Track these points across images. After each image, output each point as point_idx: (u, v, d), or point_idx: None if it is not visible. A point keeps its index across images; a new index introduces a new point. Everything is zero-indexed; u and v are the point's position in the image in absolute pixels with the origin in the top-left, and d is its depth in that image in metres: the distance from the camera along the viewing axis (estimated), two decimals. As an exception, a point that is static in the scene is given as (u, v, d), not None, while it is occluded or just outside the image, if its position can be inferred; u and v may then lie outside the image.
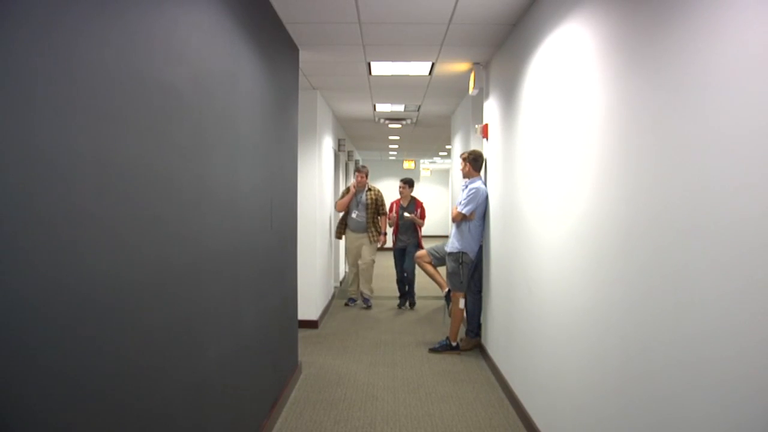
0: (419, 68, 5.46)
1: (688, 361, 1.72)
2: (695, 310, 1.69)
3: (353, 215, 7.48)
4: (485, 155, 5.21)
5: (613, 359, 2.29)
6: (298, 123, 4.73)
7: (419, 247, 7.33)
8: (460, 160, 5.34)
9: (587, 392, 2.57)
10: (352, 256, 7.67)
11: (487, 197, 5.08)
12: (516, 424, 3.66)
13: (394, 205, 7.84)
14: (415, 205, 7.71)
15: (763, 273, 1.40)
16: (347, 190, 7.68)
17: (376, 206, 7.52)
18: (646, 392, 1.99)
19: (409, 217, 7.48)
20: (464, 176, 5.28)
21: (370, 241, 7.50)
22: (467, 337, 5.42)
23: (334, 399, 4.13)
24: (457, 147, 7.50)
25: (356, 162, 11.77)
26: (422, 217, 7.67)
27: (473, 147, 5.69)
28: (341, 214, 7.70)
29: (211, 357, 2.45)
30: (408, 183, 7.78)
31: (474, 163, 5.18)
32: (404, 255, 7.60)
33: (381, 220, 7.63)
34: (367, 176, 7.54)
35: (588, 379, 2.56)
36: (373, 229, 7.51)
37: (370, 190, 7.54)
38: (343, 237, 7.78)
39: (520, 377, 3.89)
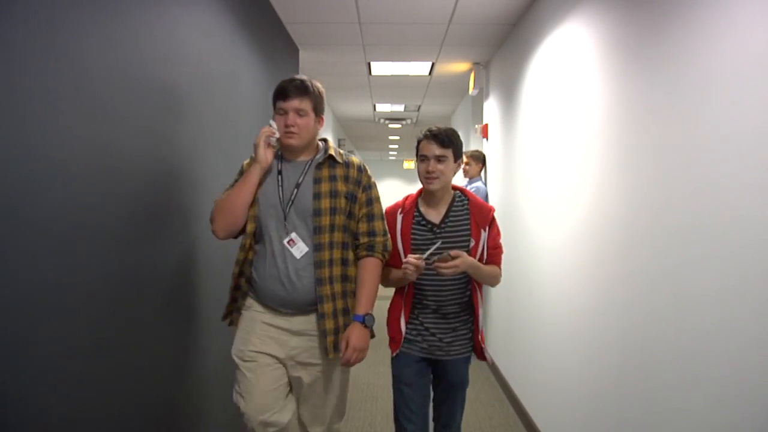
0: (419, 68, 5.46)
1: (687, 359, 1.72)
2: (694, 309, 1.69)
3: (281, 244, 1.96)
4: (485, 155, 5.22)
5: (612, 358, 2.29)
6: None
7: (480, 355, 2.28)
8: (464, 158, 5.29)
9: (586, 391, 2.57)
10: (269, 398, 1.95)
11: (486, 197, 5.08)
12: (516, 424, 3.66)
13: (401, 217, 2.19)
14: (477, 215, 2.20)
15: (762, 271, 1.40)
16: (249, 164, 2.05)
17: (350, 210, 2.01)
18: (645, 390, 1.99)
19: (459, 266, 2.03)
20: (466, 175, 5.26)
21: (335, 349, 1.95)
22: (467, 337, 5.36)
23: (334, 399, 4.13)
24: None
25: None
26: (496, 247, 2.24)
27: (473, 147, 5.69)
28: (241, 254, 2.00)
29: (211, 356, 2.45)
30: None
31: (482, 162, 5.18)
32: (433, 381, 2.31)
33: (364, 267, 2.02)
34: (317, 111, 2.06)
35: (587, 378, 2.56)
36: (343, 299, 1.99)
37: (331, 159, 2.04)
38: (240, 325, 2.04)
39: (520, 377, 3.89)
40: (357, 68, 5.46)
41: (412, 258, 2.03)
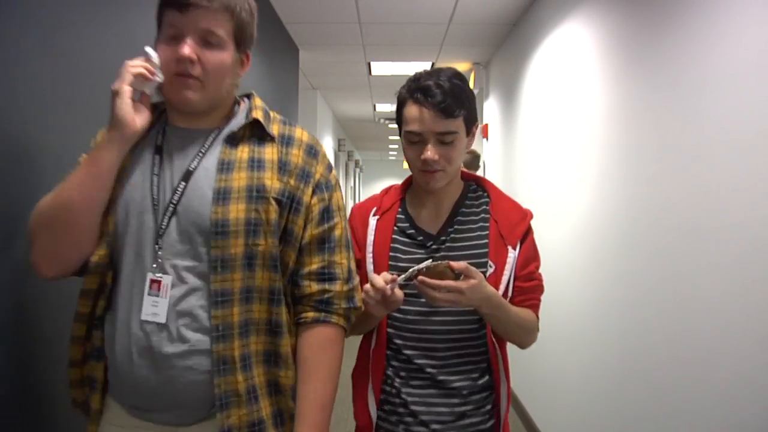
0: (419, 68, 5.43)
1: (688, 359, 1.72)
2: (695, 309, 1.69)
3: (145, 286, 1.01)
4: (483, 156, 5.21)
5: (612, 358, 2.28)
6: (297, 123, 4.73)
7: None
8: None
9: (587, 391, 2.57)
10: None
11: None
12: (516, 425, 3.66)
13: (375, 221, 1.30)
14: (503, 222, 1.25)
15: (764, 272, 1.40)
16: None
17: (286, 226, 1.07)
18: (645, 391, 1.98)
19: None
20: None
21: None
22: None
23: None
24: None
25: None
26: (532, 279, 1.25)
27: (473, 147, 5.69)
28: (84, 305, 1.06)
29: None
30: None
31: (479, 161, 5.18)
32: None
33: (313, 346, 1.07)
34: (240, 43, 1.11)
35: (588, 379, 2.56)
36: (270, 397, 1.06)
37: (256, 127, 1.12)
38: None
39: (520, 377, 3.89)
40: (357, 68, 5.46)
41: (378, 278, 1.11)
